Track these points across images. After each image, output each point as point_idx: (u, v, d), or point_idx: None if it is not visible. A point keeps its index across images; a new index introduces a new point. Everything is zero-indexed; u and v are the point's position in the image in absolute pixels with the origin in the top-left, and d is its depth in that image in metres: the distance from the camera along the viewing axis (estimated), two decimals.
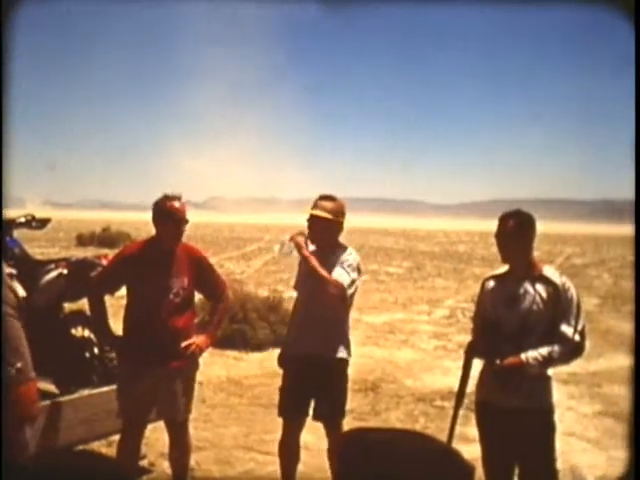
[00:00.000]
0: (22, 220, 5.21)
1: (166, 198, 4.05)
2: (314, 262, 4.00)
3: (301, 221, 4.31)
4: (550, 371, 3.47)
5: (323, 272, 3.97)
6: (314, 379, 4.12)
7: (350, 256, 4.13)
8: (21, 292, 4.58)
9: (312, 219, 4.11)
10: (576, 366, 7.30)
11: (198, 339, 4.17)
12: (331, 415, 4.21)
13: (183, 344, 4.08)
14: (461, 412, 3.59)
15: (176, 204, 4.03)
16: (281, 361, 4.32)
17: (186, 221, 4.09)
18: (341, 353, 4.20)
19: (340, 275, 3.99)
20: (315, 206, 4.13)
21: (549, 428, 3.47)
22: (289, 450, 4.30)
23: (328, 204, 4.13)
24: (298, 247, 4.07)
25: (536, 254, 3.55)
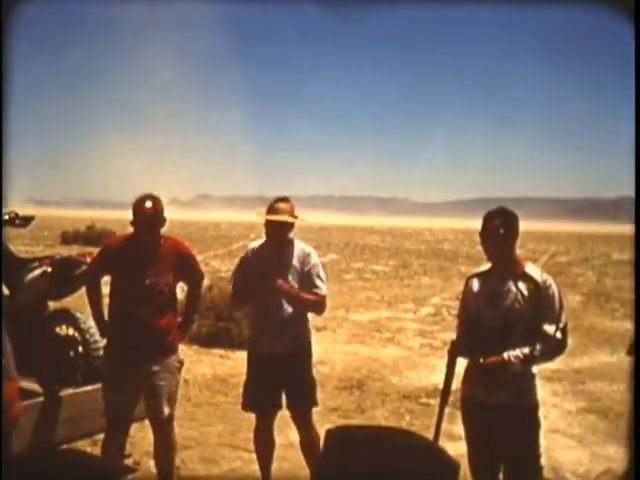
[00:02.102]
0: (5, 218, 5.17)
1: (139, 199, 4.02)
2: (303, 296, 4.21)
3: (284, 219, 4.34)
4: (534, 368, 3.49)
5: (309, 297, 4.23)
6: (280, 373, 4.27)
7: (313, 258, 4.33)
8: (4, 290, 4.56)
9: (270, 222, 4.20)
10: (560, 363, 7.37)
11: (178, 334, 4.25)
12: (303, 407, 4.38)
13: (168, 341, 4.10)
14: (447, 410, 3.61)
15: (147, 204, 3.99)
16: (249, 357, 4.45)
17: (161, 220, 4.07)
18: (305, 347, 4.37)
19: (318, 285, 4.27)
20: (274, 210, 4.23)
21: (534, 425, 3.49)
22: (264, 442, 4.46)
23: (286, 206, 4.26)
24: (288, 294, 4.18)
25: (521, 252, 3.58)
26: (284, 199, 4.32)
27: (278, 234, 4.27)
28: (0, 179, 2.23)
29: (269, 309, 4.26)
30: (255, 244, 4.50)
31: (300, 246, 4.37)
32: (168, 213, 4.16)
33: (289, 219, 4.23)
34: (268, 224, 4.24)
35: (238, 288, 4.41)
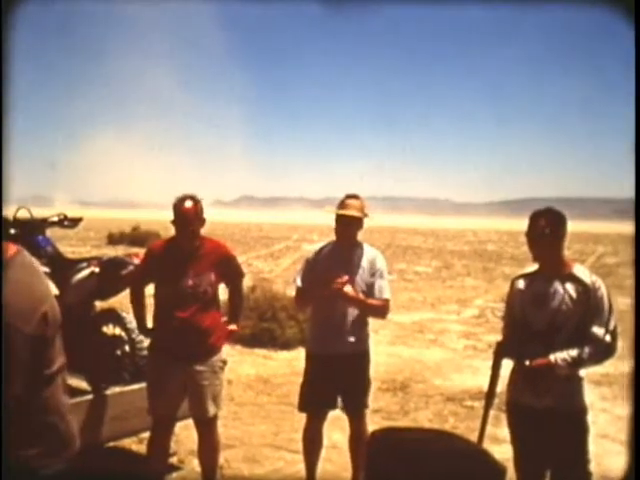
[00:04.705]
0: (55, 219, 5.28)
1: (179, 199, 4.07)
2: (367, 302, 4.23)
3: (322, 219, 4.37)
4: (582, 372, 3.42)
5: (374, 302, 4.25)
6: (339, 374, 4.27)
7: (381, 262, 4.36)
8: (54, 290, 4.65)
9: (343, 219, 4.20)
10: (609, 367, 7.20)
11: (231, 327, 4.35)
12: (357, 408, 4.40)
13: (212, 341, 4.13)
14: (491, 412, 3.56)
15: (187, 204, 4.04)
16: (308, 358, 4.44)
17: (201, 220, 4.10)
18: (364, 349, 4.37)
19: (384, 289, 4.29)
20: (345, 206, 4.23)
21: (582, 430, 3.42)
22: (313, 443, 4.48)
23: (356, 203, 4.27)
24: (347, 297, 4.18)
25: (568, 253, 3.51)
26: (354, 196, 4.33)
27: (348, 231, 4.28)
28: (0, 179, 2.27)
29: (332, 310, 4.26)
30: (322, 245, 4.51)
31: (368, 249, 4.40)
32: (211, 214, 4.19)
33: (358, 214, 4.24)
34: (338, 221, 4.26)
35: (303, 289, 4.42)
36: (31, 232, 4.98)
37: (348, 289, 4.15)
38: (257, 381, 7.68)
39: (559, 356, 3.29)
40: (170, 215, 4.11)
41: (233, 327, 4.38)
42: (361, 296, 4.22)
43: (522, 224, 3.66)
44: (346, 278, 4.15)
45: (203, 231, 4.18)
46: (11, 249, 2.24)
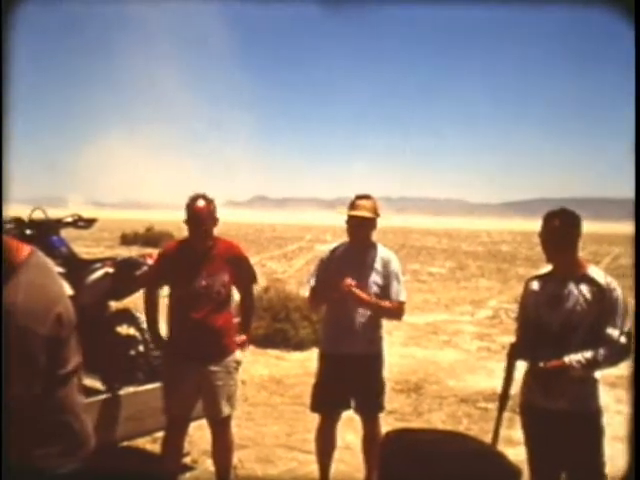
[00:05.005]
0: (69, 220, 5.31)
1: (192, 198, 4.09)
2: (380, 304, 4.22)
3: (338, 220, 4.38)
4: (597, 374, 3.40)
5: (387, 305, 4.23)
6: (352, 375, 4.26)
7: (396, 264, 4.34)
8: (69, 291, 4.68)
9: (354, 219, 4.19)
10: (624, 369, 7.14)
11: (238, 339, 4.27)
12: (370, 409, 4.39)
13: (225, 342, 4.14)
14: (505, 414, 3.54)
15: (199, 203, 4.05)
16: (321, 359, 4.44)
17: (213, 220, 4.11)
18: (377, 350, 4.36)
19: (399, 292, 4.28)
20: (356, 207, 4.21)
21: (597, 432, 3.39)
22: (326, 443, 4.47)
23: (367, 203, 4.24)
24: (358, 298, 4.17)
25: (582, 254, 3.48)
26: (366, 196, 4.31)
27: (360, 231, 4.27)
28: (0, 179, 2.28)
29: (345, 311, 4.25)
30: (336, 245, 4.52)
31: (382, 250, 4.38)
32: (224, 215, 4.21)
33: (369, 214, 4.22)
34: (350, 222, 4.25)
35: (316, 289, 4.43)
36: (46, 233, 5.02)
37: (357, 291, 4.14)
38: (270, 382, 7.70)
39: (573, 358, 3.27)
40: (182, 216, 4.13)
41: (243, 338, 4.33)
42: (373, 298, 4.21)
43: (536, 225, 3.64)
44: (354, 281, 4.13)
45: (216, 231, 4.19)
46: (25, 250, 2.25)
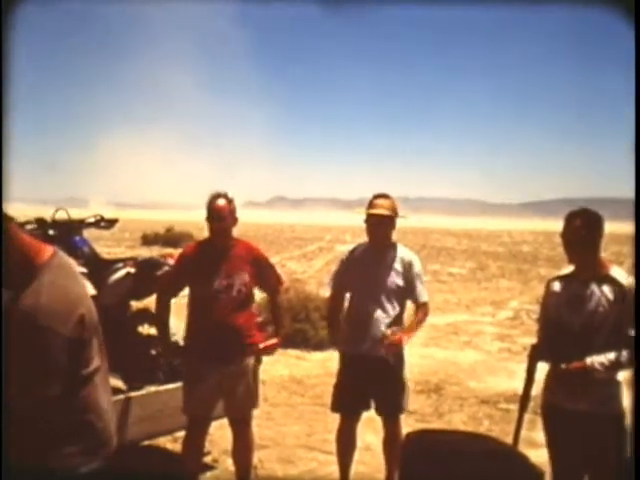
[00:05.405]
0: (91, 220, 5.36)
1: (212, 196, 4.11)
2: (415, 327, 4.33)
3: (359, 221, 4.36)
4: (620, 375, 3.37)
5: (419, 320, 4.35)
6: (372, 375, 4.25)
7: (418, 265, 4.35)
8: (91, 291, 4.73)
9: (372, 218, 4.18)
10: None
11: (270, 341, 4.28)
12: (392, 410, 4.38)
13: (246, 341, 4.15)
14: (527, 416, 3.52)
15: (220, 202, 4.07)
16: (341, 359, 4.44)
17: (233, 218, 4.12)
18: (397, 349, 4.31)
19: (422, 293, 4.33)
20: (374, 206, 4.21)
21: (619, 434, 3.35)
22: (347, 444, 4.46)
23: (385, 202, 4.24)
24: (401, 341, 4.20)
25: (605, 255, 3.45)
26: (384, 195, 4.30)
27: (378, 231, 4.26)
28: (0, 179, 2.30)
29: (367, 311, 4.25)
30: (355, 246, 4.51)
31: (404, 250, 4.38)
32: (244, 215, 4.22)
33: (386, 212, 4.21)
34: (368, 221, 4.24)
35: (337, 290, 4.43)
36: (68, 233, 5.06)
37: (406, 339, 4.20)
38: (290, 382, 7.71)
39: (596, 359, 3.24)
40: (200, 215, 4.16)
41: (273, 341, 4.33)
42: (395, 306, 4.24)
43: (558, 225, 3.61)
44: (399, 335, 4.18)
45: (236, 232, 4.20)
46: (47, 251, 2.27)
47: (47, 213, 5.15)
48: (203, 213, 4.12)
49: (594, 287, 3.35)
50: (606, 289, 3.32)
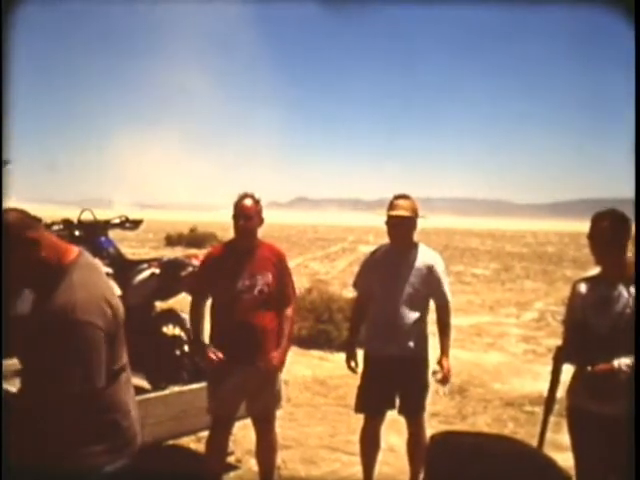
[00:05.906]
0: (117, 221, 5.41)
1: (240, 196, 4.13)
2: (448, 338, 4.44)
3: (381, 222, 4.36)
4: None
5: (448, 329, 4.47)
6: (396, 376, 4.26)
7: (441, 266, 4.34)
8: (117, 290, 4.77)
9: (393, 219, 4.17)
10: None
11: (274, 355, 4.16)
12: (415, 410, 4.39)
13: (270, 341, 4.15)
14: (552, 418, 3.49)
15: (247, 202, 4.09)
16: (365, 360, 4.42)
17: (259, 219, 4.14)
18: (422, 352, 4.36)
19: (445, 293, 4.34)
20: (395, 207, 4.21)
21: None
22: (370, 445, 4.46)
23: (405, 203, 4.23)
24: (449, 370, 4.34)
25: (632, 256, 3.41)
26: (404, 196, 4.29)
27: (399, 232, 4.25)
28: (0, 179, 2.33)
29: (390, 312, 4.25)
30: (377, 247, 4.53)
31: (426, 250, 4.37)
32: (268, 216, 4.24)
33: (407, 213, 4.19)
34: (389, 222, 4.24)
35: (362, 292, 4.45)
36: (94, 234, 5.12)
37: (450, 370, 4.31)
38: (313, 382, 7.71)
39: (622, 362, 3.20)
40: (224, 216, 4.17)
41: (274, 355, 4.15)
42: (419, 306, 4.26)
43: (584, 226, 3.57)
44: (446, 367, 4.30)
45: (261, 233, 4.21)
46: (73, 252, 2.30)
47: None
48: (226, 213, 4.14)
49: (621, 289, 3.31)
50: (634, 291, 3.28)
